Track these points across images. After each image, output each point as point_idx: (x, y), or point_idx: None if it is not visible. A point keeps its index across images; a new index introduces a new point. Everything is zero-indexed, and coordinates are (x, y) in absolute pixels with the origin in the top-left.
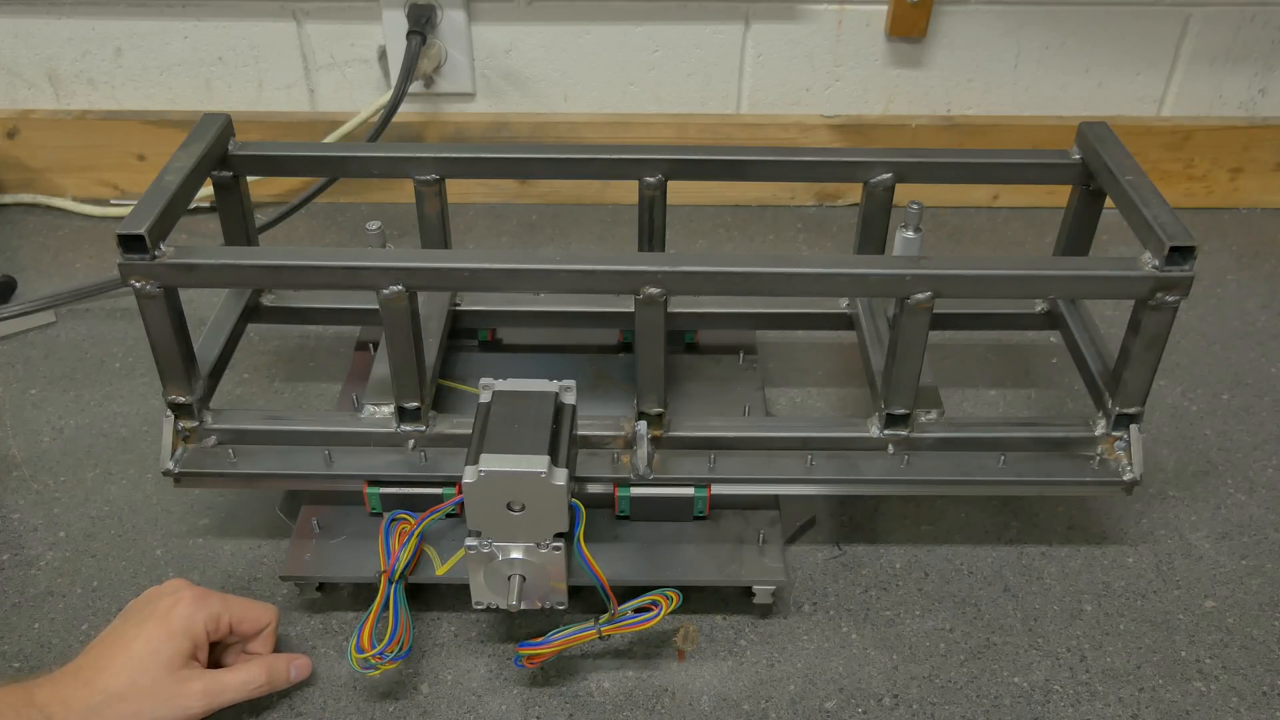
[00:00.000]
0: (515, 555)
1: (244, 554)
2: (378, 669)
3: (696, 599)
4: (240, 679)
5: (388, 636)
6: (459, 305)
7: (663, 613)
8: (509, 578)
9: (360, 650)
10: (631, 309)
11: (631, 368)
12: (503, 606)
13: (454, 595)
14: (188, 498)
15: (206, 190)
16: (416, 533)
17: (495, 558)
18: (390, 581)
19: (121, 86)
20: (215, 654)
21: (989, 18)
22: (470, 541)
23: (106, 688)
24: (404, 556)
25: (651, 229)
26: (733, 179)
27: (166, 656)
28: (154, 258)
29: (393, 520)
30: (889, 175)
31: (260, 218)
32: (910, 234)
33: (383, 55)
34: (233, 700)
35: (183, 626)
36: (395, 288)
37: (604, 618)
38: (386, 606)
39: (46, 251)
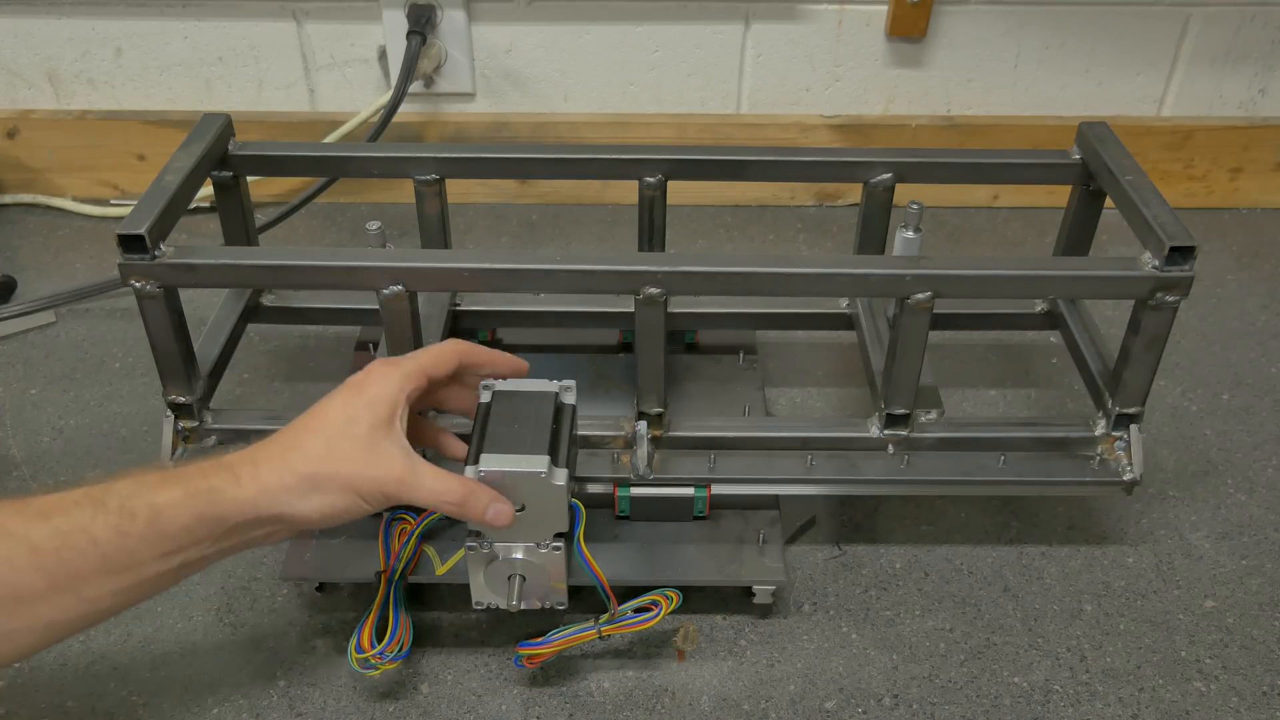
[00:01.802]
0: (515, 555)
1: (244, 554)
2: (378, 669)
3: (696, 599)
4: (439, 486)
5: (388, 636)
6: (459, 305)
7: (663, 613)
8: (509, 578)
9: (360, 650)
10: (631, 309)
11: (631, 368)
12: (503, 606)
13: (454, 595)
14: None
15: (206, 190)
16: (416, 533)
17: (495, 558)
18: (390, 582)
19: (121, 86)
20: (454, 389)
21: (989, 18)
22: (470, 542)
23: (295, 447)
24: (404, 556)
25: (651, 229)
26: (733, 179)
27: (367, 424)
28: (154, 258)
29: (392, 520)
30: (889, 175)
31: (260, 218)
32: (910, 234)
33: (383, 55)
34: (424, 501)
35: (376, 391)
36: (395, 288)
37: (604, 618)
38: (386, 606)
39: (46, 251)
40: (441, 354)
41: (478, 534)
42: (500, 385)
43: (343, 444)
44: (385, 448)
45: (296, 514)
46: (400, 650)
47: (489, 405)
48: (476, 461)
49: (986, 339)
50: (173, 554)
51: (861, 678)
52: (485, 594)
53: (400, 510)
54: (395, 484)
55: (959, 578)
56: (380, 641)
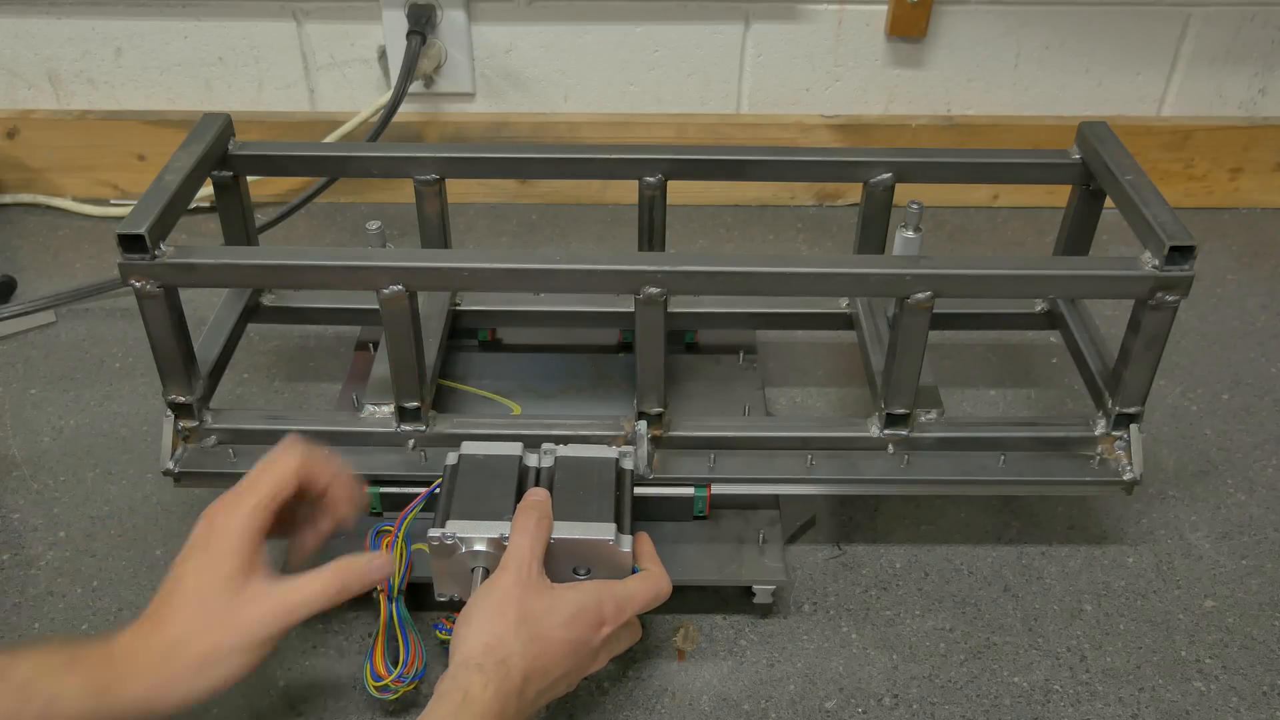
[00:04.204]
0: (478, 548)
1: None
2: (397, 693)
3: (696, 599)
4: (316, 588)
5: (401, 659)
6: (459, 305)
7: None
8: (472, 570)
9: (377, 678)
10: (631, 309)
11: (631, 368)
12: (466, 599)
13: None
14: (188, 498)
15: (206, 190)
16: (399, 541)
17: (458, 550)
18: (389, 600)
19: (121, 86)
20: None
21: (989, 18)
22: (433, 533)
23: (171, 635)
24: (396, 571)
25: (651, 229)
26: (733, 179)
27: (223, 580)
28: (154, 258)
29: (376, 535)
30: (889, 175)
31: (260, 218)
32: (910, 234)
33: (383, 55)
34: (313, 609)
35: (221, 545)
36: (395, 288)
37: None
38: (392, 625)
39: (46, 251)
40: (282, 481)
41: (441, 527)
42: (468, 448)
43: (213, 612)
44: (249, 593)
45: (201, 691)
46: (417, 671)
47: (454, 467)
48: (443, 525)
49: (986, 339)
50: None
51: (861, 678)
52: (448, 586)
53: (382, 525)
54: (275, 618)
55: (959, 578)
56: (395, 664)
